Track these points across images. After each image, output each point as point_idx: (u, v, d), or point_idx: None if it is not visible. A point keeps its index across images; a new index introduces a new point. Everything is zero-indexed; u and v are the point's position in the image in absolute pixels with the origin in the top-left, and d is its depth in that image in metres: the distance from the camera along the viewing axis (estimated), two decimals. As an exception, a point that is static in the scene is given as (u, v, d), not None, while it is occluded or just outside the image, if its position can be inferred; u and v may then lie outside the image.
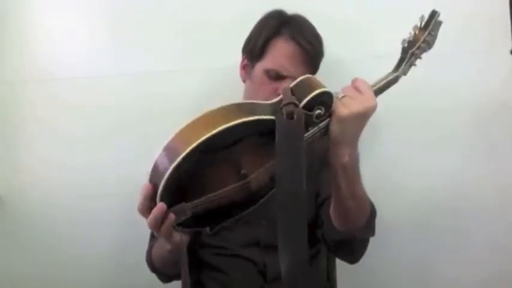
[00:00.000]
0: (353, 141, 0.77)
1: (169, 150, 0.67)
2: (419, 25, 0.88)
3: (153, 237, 1.01)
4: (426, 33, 0.88)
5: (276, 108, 0.71)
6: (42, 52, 1.35)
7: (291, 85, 0.74)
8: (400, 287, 1.30)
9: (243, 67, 1.06)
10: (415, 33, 0.88)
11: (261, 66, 1.00)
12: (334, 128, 0.74)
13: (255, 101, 0.77)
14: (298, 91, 0.73)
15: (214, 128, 0.64)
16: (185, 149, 0.64)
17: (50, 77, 1.34)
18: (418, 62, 1.28)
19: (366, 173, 0.83)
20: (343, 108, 0.73)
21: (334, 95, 0.74)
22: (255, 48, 1.01)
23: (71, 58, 1.35)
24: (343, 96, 0.74)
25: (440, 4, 1.24)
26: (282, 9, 1.03)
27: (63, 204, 1.33)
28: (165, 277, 1.01)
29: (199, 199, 0.70)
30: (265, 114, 0.70)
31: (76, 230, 1.33)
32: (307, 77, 0.76)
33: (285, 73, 0.97)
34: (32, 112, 1.36)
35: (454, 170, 1.24)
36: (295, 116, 0.67)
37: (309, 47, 0.97)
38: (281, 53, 0.98)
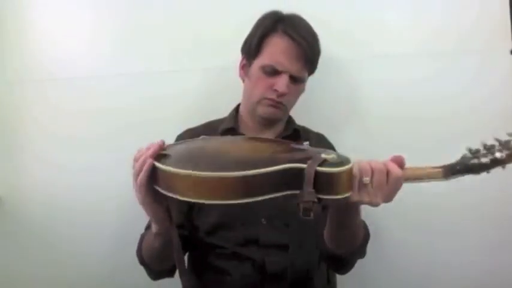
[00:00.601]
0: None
1: (193, 186, 0.68)
2: None
3: (145, 230, 1.02)
4: None
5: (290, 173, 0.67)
6: (42, 52, 1.36)
7: (317, 167, 0.66)
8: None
9: (242, 67, 1.08)
10: (506, 155, 0.71)
11: (257, 63, 1.02)
12: (340, 201, 0.70)
13: (276, 168, 0.67)
14: (321, 181, 0.66)
15: (231, 199, 0.66)
16: (197, 198, 0.67)
17: (50, 77, 1.34)
18: (418, 63, 1.28)
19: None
20: (356, 195, 0.69)
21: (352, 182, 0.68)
22: (251, 47, 1.03)
23: (71, 58, 1.35)
24: (365, 184, 0.69)
25: (440, 4, 1.25)
26: (278, 10, 1.04)
27: (63, 204, 1.33)
28: (153, 273, 1.01)
29: None
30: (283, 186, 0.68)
31: (75, 230, 1.33)
32: (344, 171, 0.67)
33: (280, 68, 0.99)
34: (32, 112, 1.36)
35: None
36: (311, 214, 0.65)
37: (304, 42, 0.98)
38: (276, 49, 0.99)
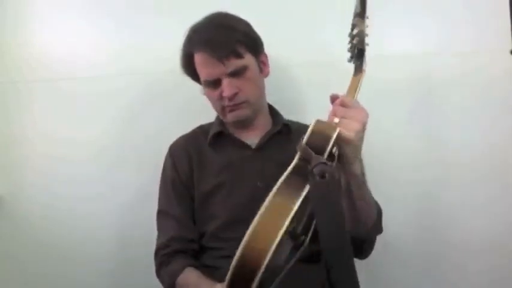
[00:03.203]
0: (359, 154, 0.81)
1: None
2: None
3: (164, 261, 1.03)
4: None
5: (300, 169, 0.71)
6: (43, 52, 1.36)
7: (304, 140, 0.73)
8: (403, 284, 1.29)
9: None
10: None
11: (202, 82, 1.05)
12: (347, 151, 0.77)
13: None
14: (314, 144, 0.72)
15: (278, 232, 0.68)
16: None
17: (50, 77, 1.35)
18: (417, 63, 1.27)
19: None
20: (348, 132, 0.75)
21: (331, 124, 0.76)
22: (188, 74, 1.07)
23: (71, 58, 1.35)
24: (339, 121, 0.76)
25: (440, 5, 1.25)
26: (194, 24, 1.04)
27: (63, 204, 1.33)
28: None
29: None
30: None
31: (75, 230, 1.33)
32: (315, 124, 0.75)
33: (213, 78, 1.00)
34: (33, 112, 1.36)
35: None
36: (327, 175, 0.67)
37: (208, 46, 0.98)
38: (199, 65, 1.02)
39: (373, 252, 1.01)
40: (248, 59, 1.02)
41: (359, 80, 0.86)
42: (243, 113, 1.03)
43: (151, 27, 1.32)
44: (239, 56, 0.99)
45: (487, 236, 1.23)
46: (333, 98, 0.81)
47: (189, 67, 1.05)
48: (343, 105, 0.78)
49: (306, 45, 1.27)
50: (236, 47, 0.99)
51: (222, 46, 0.98)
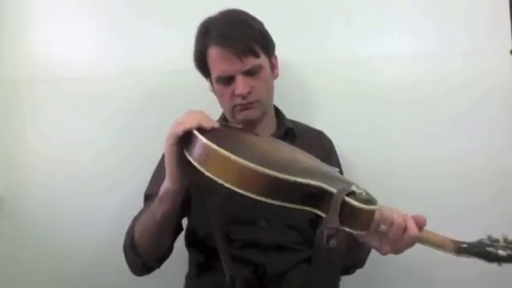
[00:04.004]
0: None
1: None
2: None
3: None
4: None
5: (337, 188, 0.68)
6: (43, 52, 1.36)
7: (346, 197, 0.67)
8: (402, 285, 1.29)
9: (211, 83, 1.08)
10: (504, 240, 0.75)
11: (213, 78, 1.03)
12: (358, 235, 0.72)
13: (308, 182, 0.69)
14: (344, 212, 0.67)
15: (252, 194, 0.67)
16: (221, 178, 0.68)
17: (51, 77, 1.35)
18: (417, 63, 1.28)
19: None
20: (368, 236, 0.71)
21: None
22: (199, 68, 1.05)
23: (71, 58, 1.35)
24: (379, 231, 0.70)
25: (440, 5, 1.25)
26: (207, 17, 1.02)
27: (64, 204, 1.34)
28: (138, 261, 0.97)
29: None
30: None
31: (76, 229, 1.33)
32: (366, 211, 0.67)
33: (228, 74, 0.98)
34: (33, 112, 1.36)
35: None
36: (334, 242, 0.66)
37: (229, 41, 0.96)
38: (214, 60, 0.99)
39: (374, 257, 1.01)
40: (263, 59, 1.01)
41: (442, 246, 0.75)
42: (253, 113, 1.01)
43: (151, 28, 1.32)
44: (256, 54, 0.98)
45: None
46: (417, 220, 0.74)
47: (202, 61, 1.02)
48: (407, 228, 0.71)
49: (306, 45, 1.27)
50: (253, 45, 0.98)
51: (241, 42, 0.97)
